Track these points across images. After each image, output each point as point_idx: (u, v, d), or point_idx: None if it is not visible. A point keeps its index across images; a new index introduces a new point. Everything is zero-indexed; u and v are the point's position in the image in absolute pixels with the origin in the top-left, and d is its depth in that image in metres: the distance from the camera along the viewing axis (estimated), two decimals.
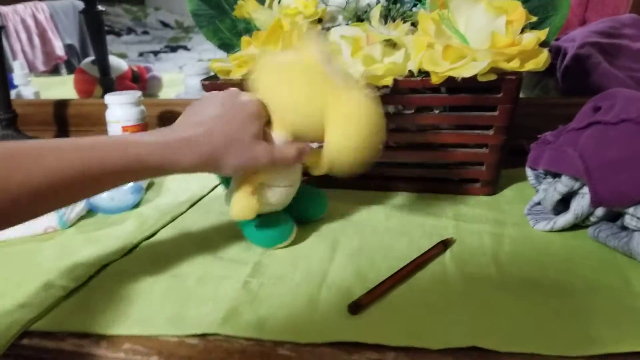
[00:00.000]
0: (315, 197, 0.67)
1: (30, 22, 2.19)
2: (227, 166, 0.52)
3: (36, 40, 2.20)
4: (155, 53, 2.89)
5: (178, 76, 1.45)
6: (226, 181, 0.64)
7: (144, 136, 0.51)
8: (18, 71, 1.21)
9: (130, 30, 3.46)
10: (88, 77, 1.23)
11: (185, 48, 3.05)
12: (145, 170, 0.49)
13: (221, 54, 0.84)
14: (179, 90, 1.25)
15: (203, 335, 0.47)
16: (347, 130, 0.52)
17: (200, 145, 0.51)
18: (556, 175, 0.61)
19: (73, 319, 0.50)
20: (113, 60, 1.25)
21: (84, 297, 0.54)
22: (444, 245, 0.58)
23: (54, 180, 0.44)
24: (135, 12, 3.67)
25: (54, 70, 2.25)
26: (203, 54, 2.75)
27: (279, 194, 0.59)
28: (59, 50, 2.27)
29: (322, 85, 0.53)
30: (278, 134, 0.56)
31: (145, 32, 3.51)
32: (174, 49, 3.02)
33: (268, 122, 0.56)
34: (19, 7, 2.16)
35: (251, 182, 0.56)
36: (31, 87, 1.22)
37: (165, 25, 3.65)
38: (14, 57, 2.07)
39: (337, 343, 0.45)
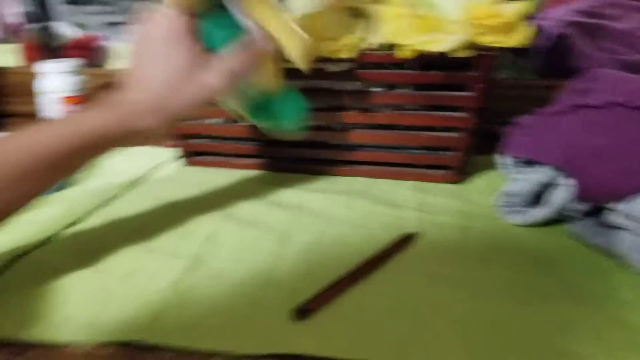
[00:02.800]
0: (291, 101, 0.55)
1: None
2: (184, 110, 0.47)
3: None
4: (116, 24, 2.76)
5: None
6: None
7: (94, 109, 0.46)
8: None
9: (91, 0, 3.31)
10: (33, 45, 1.14)
11: None
12: (103, 142, 0.45)
13: None
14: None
15: (125, 344, 0.40)
16: None
17: (151, 108, 0.46)
18: (532, 163, 0.55)
19: None
20: (59, 27, 1.15)
21: None
22: (405, 240, 0.52)
23: (15, 170, 0.41)
24: None
25: (12, 37, 2.11)
26: None
27: None
28: (14, 17, 2.14)
29: None
30: None
31: (106, 3, 3.37)
32: None
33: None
34: None
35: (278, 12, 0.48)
36: None
37: None
38: None
39: (279, 355, 0.39)
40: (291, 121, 0.53)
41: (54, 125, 0.44)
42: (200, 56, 0.46)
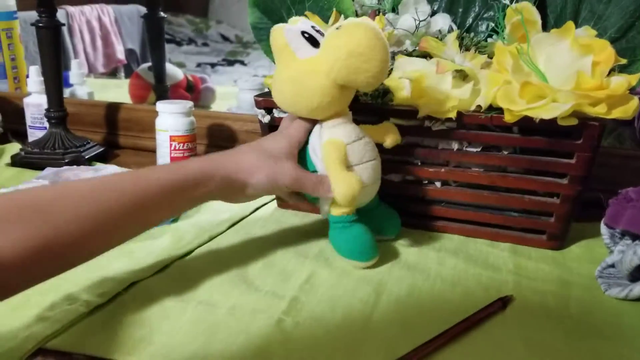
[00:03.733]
0: (388, 215, 0.66)
1: (95, 24, 2.24)
2: (251, 175, 0.55)
3: (99, 42, 2.24)
4: (213, 65, 2.92)
5: (231, 89, 1.43)
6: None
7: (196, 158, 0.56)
8: (75, 70, 1.21)
9: (190, 41, 3.53)
10: (143, 83, 1.23)
11: (242, 63, 3.07)
12: (187, 184, 0.51)
13: None
14: (231, 104, 1.23)
15: None
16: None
17: (230, 155, 0.56)
18: (636, 238, 0.54)
19: (92, 339, 0.46)
20: (169, 68, 1.24)
21: (107, 315, 0.50)
22: (503, 303, 0.52)
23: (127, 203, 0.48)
24: (197, 24, 3.74)
25: (113, 73, 2.29)
26: (258, 70, 2.76)
27: (368, 170, 0.58)
28: (120, 53, 2.31)
29: None
30: None
31: (205, 44, 3.57)
32: (230, 63, 3.05)
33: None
34: (86, 8, 2.21)
35: (339, 161, 0.56)
36: (86, 87, 1.22)
37: (225, 38, 3.71)
38: (76, 56, 2.11)
39: None
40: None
41: (160, 167, 0.52)
42: (293, 156, 0.57)
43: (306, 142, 0.60)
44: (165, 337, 0.47)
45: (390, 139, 0.61)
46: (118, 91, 1.47)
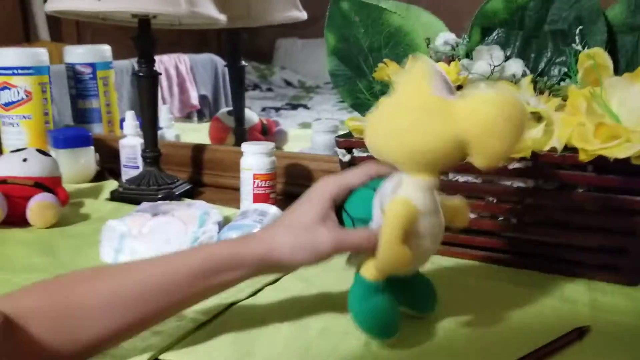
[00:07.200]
0: (424, 287, 0.58)
1: (173, 72, 2.39)
2: (286, 254, 0.52)
3: (175, 89, 2.39)
4: (277, 109, 3.03)
5: (301, 132, 1.50)
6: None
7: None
8: (164, 115, 1.31)
9: (255, 86, 3.68)
10: (222, 126, 1.32)
11: (305, 107, 3.16)
12: (217, 269, 0.51)
13: (339, 115, 0.86)
14: (302, 146, 1.30)
15: None
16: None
17: (261, 237, 0.54)
18: None
19: (199, 352, 0.52)
20: (246, 112, 1.32)
21: (211, 331, 0.55)
22: (580, 333, 0.54)
23: (144, 288, 0.50)
24: (262, 70, 3.91)
25: (187, 117, 2.42)
26: (322, 114, 2.84)
27: (427, 254, 0.52)
28: (194, 99, 2.45)
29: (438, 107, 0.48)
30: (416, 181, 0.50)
31: (269, 89, 3.72)
32: (294, 107, 3.15)
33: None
34: (165, 57, 2.37)
35: (402, 228, 0.48)
36: (173, 130, 1.31)
37: (288, 84, 3.85)
38: None
39: None
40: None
41: (188, 252, 0.55)
42: (326, 218, 0.52)
43: (365, 186, 0.54)
44: (264, 354, 0.51)
45: (459, 222, 0.57)
46: (194, 134, 1.57)
